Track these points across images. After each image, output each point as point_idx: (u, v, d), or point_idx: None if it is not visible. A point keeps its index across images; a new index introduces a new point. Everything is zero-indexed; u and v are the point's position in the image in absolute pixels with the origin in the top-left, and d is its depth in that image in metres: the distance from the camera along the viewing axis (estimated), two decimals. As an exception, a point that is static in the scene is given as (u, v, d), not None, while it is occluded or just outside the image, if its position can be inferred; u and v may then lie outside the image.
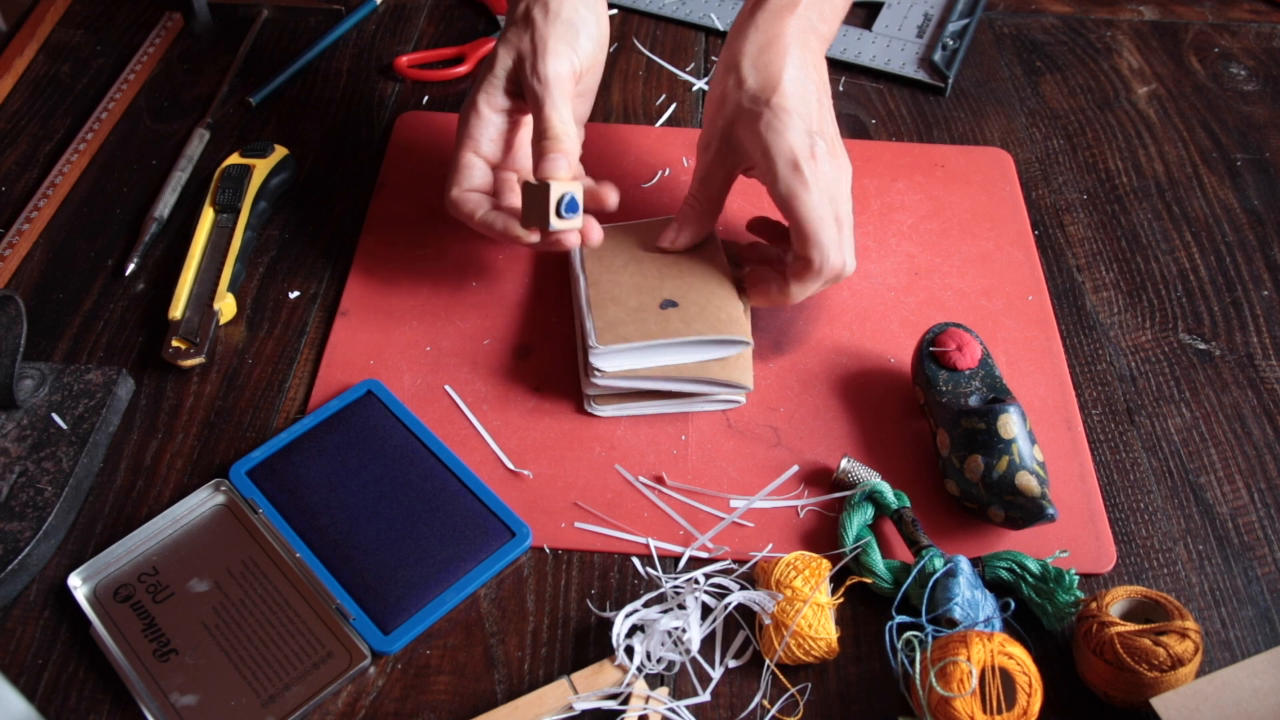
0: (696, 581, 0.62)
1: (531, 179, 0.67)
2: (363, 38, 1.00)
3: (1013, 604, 0.60)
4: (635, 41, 0.99)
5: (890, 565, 0.62)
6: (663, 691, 0.59)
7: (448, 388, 0.72)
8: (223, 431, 0.71)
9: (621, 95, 0.94)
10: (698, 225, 0.73)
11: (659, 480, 0.68)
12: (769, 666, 0.60)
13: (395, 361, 0.74)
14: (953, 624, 0.58)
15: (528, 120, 0.73)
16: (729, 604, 0.60)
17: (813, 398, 0.72)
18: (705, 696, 0.59)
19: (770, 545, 0.65)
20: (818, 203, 0.65)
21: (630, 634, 0.60)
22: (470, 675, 0.60)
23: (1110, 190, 0.87)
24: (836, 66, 0.96)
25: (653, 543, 0.65)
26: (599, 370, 0.68)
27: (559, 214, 0.66)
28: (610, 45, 0.98)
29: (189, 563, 0.64)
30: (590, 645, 0.61)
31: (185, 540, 0.65)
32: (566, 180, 0.67)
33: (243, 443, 0.70)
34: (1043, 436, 0.69)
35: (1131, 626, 0.56)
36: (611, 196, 0.72)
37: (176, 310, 0.75)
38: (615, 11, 1.02)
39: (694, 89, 0.94)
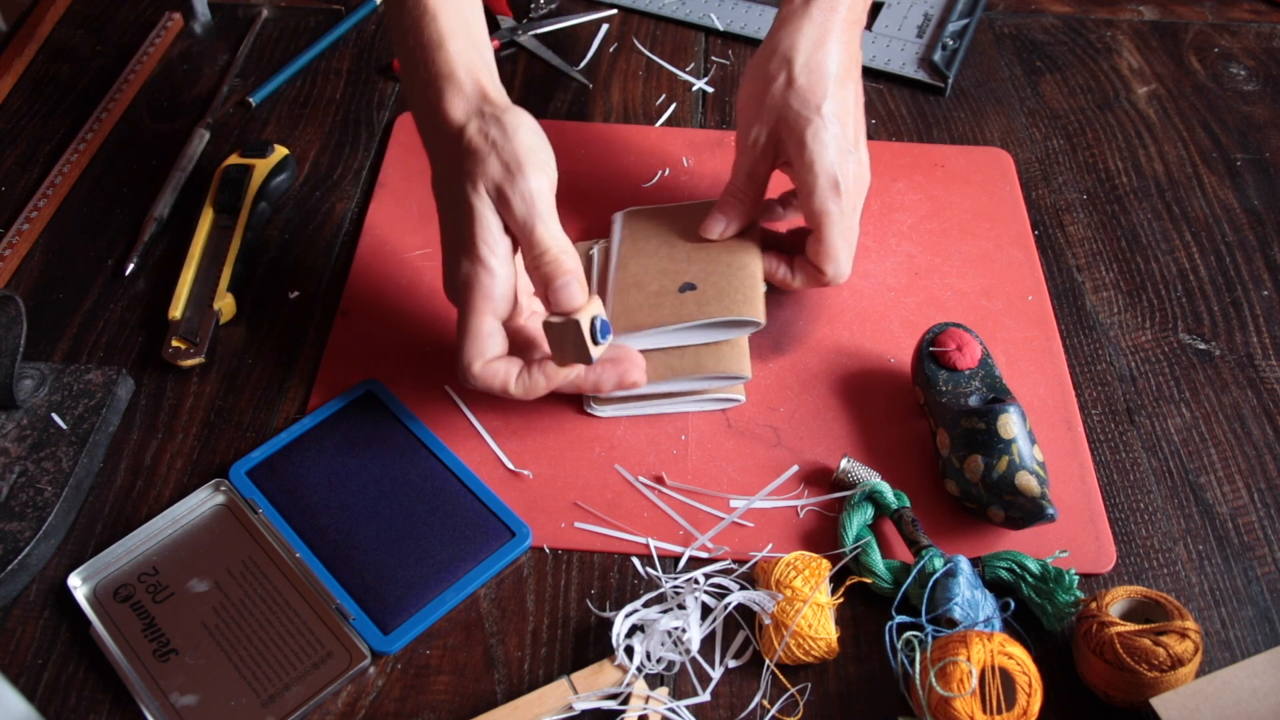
0: (696, 581, 0.62)
1: (545, 314, 0.63)
2: (363, 38, 1.00)
3: (1013, 604, 0.60)
4: (635, 41, 0.99)
5: (890, 565, 0.62)
6: (663, 691, 0.59)
7: (447, 388, 0.72)
8: (223, 431, 0.71)
9: (621, 95, 0.94)
10: (745, 216, 0.73)
11: (659, 480, 0.68)
12: (769, 666, 0.60)
13: (395, 361, 0.74)
14: (953, 624, 0.58)
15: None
16: (729, 604, 0.60)
17: (813, 398, 0.72)
18: (705, 696, 0.59)
19: (770, 545, 0.65)
20: (846, 227, 0.69)
21: (630, 634, 0.60)
22: (470, 675, 0.60)
23: (1110, 190, 0.87)
24: (836, 66, 0.96)
25: (653, 543, 0.65)
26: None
27: (595, 341, 0.62)
28: (610, 45, 0.98)
29: (189, 563, 0.64)
30: (590, 645, 0.61)
31: (185, 540, 0.65)
32: (586, 304, 0.62)
33: (243, 443, 0.70)
34: (1043, 436, 0.69)
35: (1131, 626, 0.56)
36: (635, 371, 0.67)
37: (176, 310, 0.75)
38: (615, 11, 1.02)
39: (694, 89, 0.94)
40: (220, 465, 0.69)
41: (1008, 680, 0.55)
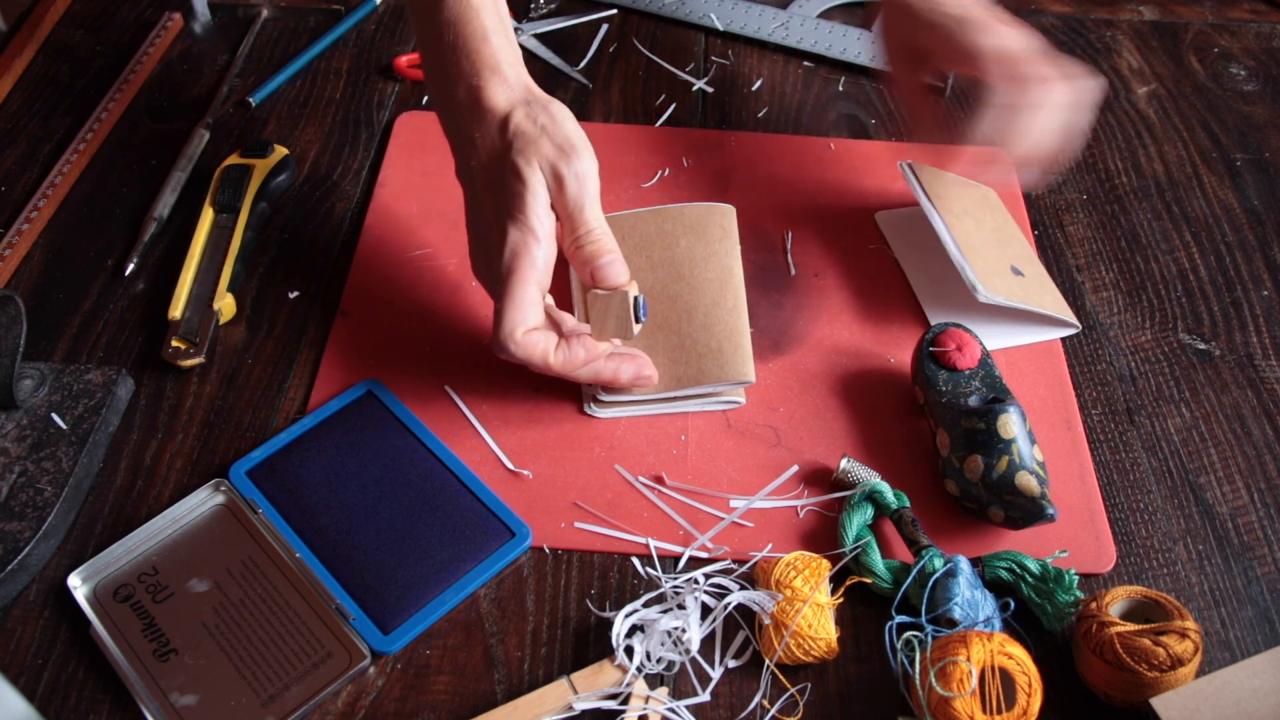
0: (696, 581, 0.62)
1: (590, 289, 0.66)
2: (362, 38, 1.00)
3: (1012, 604, 0.60)
4: (635, 41, 0.99)
5: (890, 565, 0.62)
6: (662, 691, 0.59)
7: (447, 388, 0.72)
8: (223, 431, 0.71)
9: (621, 95, 0.94)
10: (941, 125, 0.78)
11: (659, 480, 0.68)
12: (769, 666, 0.60)
13: (395, 361, 0.74)
14: (952, 624, 0.58)
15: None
16: (729, 604, 0.60)
17: (813, 398, 0.72)
18: (705, 696, 0.59)
19: (770, 545, 0.65)
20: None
21: (630, 634, 0.60)
22: (470, 675, 0.60)
23: (1110, 190, 0.87)
24: (836, 66, 0.96)
25: (652, 543, 0.65)
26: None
27: (637, 319, 0.65)
28: (610, 45, 0.98)
29: (189, 563, 0.64)
30: (590, 645, 0.61)
31: (185, 540, 0.65)
32: (628, 283, 0.66)
33: (243, 443, 0.70)
34: (1043, 436, 0.69)
35: (1131, 626, 0.56)
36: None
37: (176, 310, 0.75)
38: (615, 11, 1.02)
39: (694, 89, 0.94)
40: (220, 465, 0.69)
41: (1008, 680, 0.55)
